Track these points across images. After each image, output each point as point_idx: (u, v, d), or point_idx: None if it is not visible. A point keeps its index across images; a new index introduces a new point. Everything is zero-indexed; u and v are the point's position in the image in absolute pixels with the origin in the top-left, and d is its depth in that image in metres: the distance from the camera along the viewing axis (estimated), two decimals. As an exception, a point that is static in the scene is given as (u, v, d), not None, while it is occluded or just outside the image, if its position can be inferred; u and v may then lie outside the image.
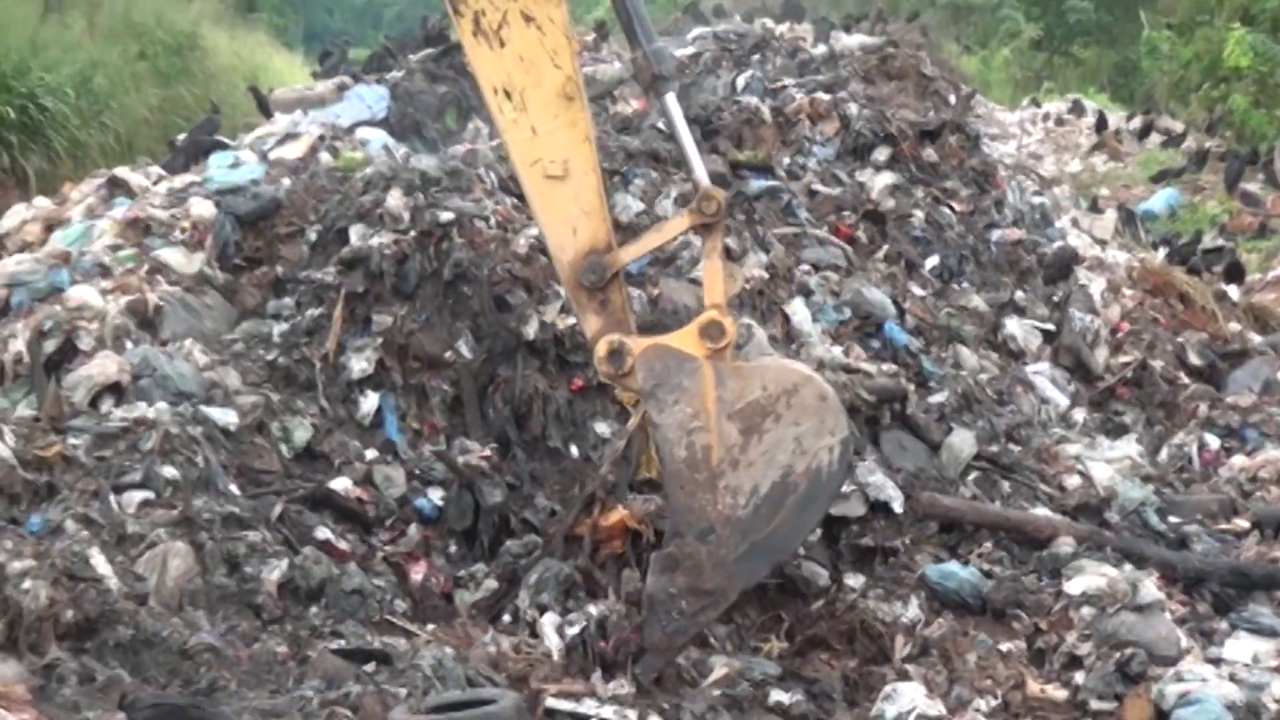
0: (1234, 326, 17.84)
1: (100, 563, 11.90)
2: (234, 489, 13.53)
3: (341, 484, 14.09)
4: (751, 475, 12.40)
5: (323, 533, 13.51)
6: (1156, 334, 17.03)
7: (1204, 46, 37.61)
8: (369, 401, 14.63)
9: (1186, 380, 16.53)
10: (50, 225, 17.63)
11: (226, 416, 13.93)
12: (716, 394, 12.62)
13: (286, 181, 16.71)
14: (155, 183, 18.05)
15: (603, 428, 14.71)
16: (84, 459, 12.82)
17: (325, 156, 17.21)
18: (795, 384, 12.69)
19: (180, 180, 17.69)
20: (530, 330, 14.95)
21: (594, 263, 12.70)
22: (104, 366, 14.01)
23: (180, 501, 12.71)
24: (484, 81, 12.95)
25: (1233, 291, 19.19)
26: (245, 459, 13.97)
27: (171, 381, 14.10)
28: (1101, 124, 37.82)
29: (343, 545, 13.54)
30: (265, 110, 21.57)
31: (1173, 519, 14.32)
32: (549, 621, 13.20)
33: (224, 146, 18.89)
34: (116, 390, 13.92)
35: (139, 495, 12.78)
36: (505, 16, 12.70)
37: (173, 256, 15.92)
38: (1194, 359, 16.85)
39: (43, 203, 18.84)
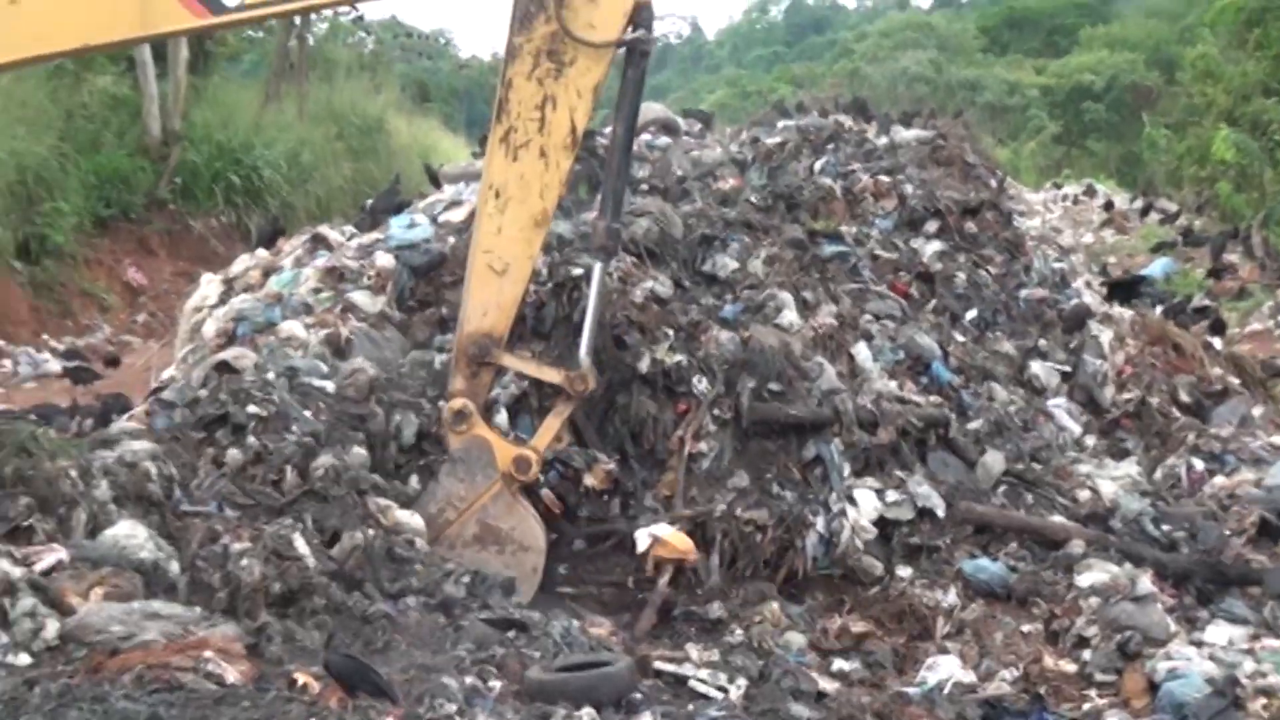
0: (1217, 371, 17.73)
1: (301, 545, 11.94)
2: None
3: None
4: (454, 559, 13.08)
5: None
6: (1154, 376, 16.93)
7: (1195, 143, 37.35)
8: (500, 417, 14.61)
9: (1178, 414, 16.43)
10: (267, 271, 17.84)
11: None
12: (484, 503, 13.34)
13: (451, 240, 16.78)
14: (348, 239, 18.27)
15: (702, 446, 14.67)
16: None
17: (482, 220, 17.27)
18: (531, 546, 13.46)
19: (368, 237, 17.82)
20: (643, 364, 14.95)
21: (484, 345, 13.38)
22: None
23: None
24: (487, 176, 13.39)
25: (1216, 343, 19.05)
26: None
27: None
28: (1109, 204, 37.81)
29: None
30: (435, 182, 21.61)
31: (1165, 527, 14.25)
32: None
33: (403, 210, 18.98)
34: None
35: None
36: (528, 143, 13.03)
37: (361, 298, 16.06)
38: (1184, 397, 16.75)
39: (262, 253, 19.02)
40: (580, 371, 13.55)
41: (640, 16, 13.17)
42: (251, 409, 13.54)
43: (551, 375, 13.82)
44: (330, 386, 14.34)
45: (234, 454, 13.02)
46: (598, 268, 13.76)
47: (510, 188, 13.19)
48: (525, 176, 13.17)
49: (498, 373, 14.07)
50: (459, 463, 13.49)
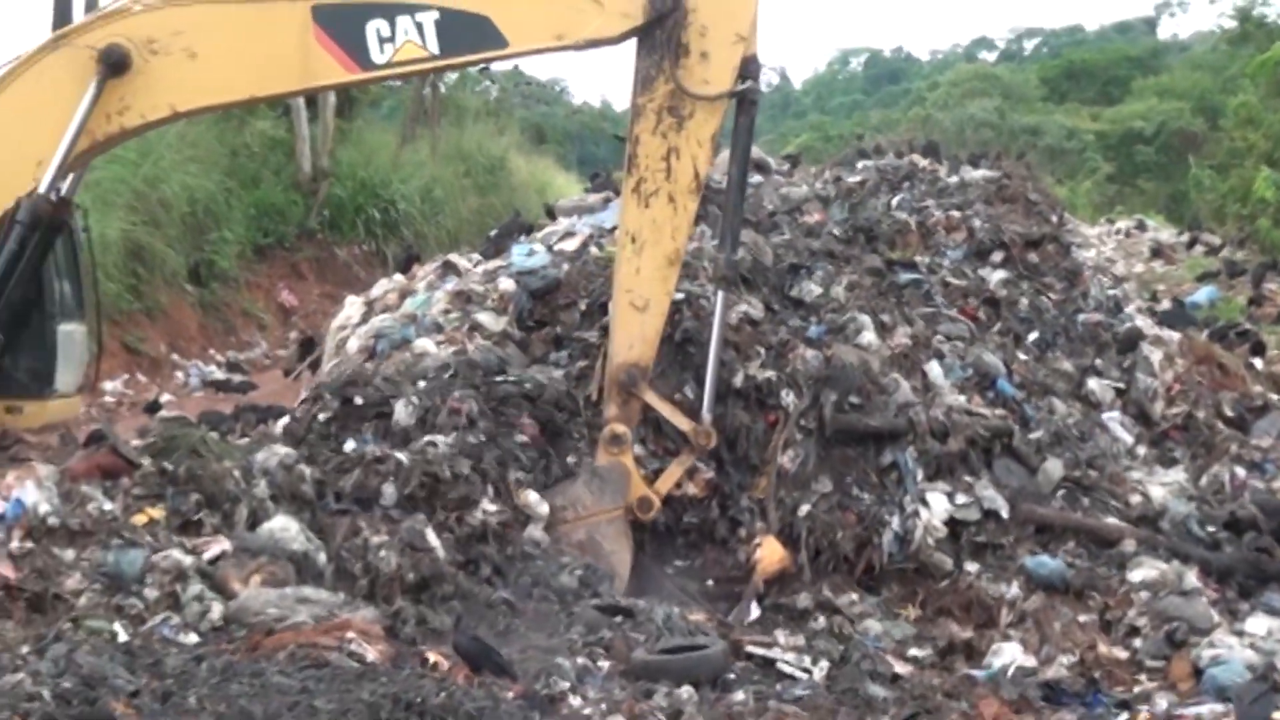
0: (1258, 389, 17.53)
1: (432, 538, 11.99)
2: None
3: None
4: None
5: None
6: (1200, 392, 16.73)
7: (1237, 183, 36.96)
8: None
9: (1222, 427, 16.23)
10: (403, 294, 17.99)
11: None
12: (601, 520, 13.70)
13: (566, 266, 16.78)
14: (475, 265, 18.36)
15: (790, 453, 14.62)
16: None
17: (593, 249, 17.25)
18: (617, 575, 13.43)
19: (492, 264, 17.89)
20: (738, 380, 14.88)
21: (632, 374, 13.80)
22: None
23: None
24: (623, 223, 13.89)
25: (1257, 363, 18.83)
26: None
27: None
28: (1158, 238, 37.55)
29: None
30: (551, 215, 21.69)
31: (1209, 528, 14.09)
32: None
33: (523, 239, 19.02)
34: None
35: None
36: (658, 191, 13.39)
37: (485, 318, 16.09)
38: (1228, 411, 16.55)
39: (398, 278, 19.16)
40: (705, 428, 14.00)
41: (748, 69, 13.55)
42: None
43: (682, 423, 14.12)
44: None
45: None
46: (720, 299, 14.03)
47: (645, 232, 13.62)
48: (657, 221, 13.57)
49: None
50: (598, 478, 13.81)
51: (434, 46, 13.11)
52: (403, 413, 13.70)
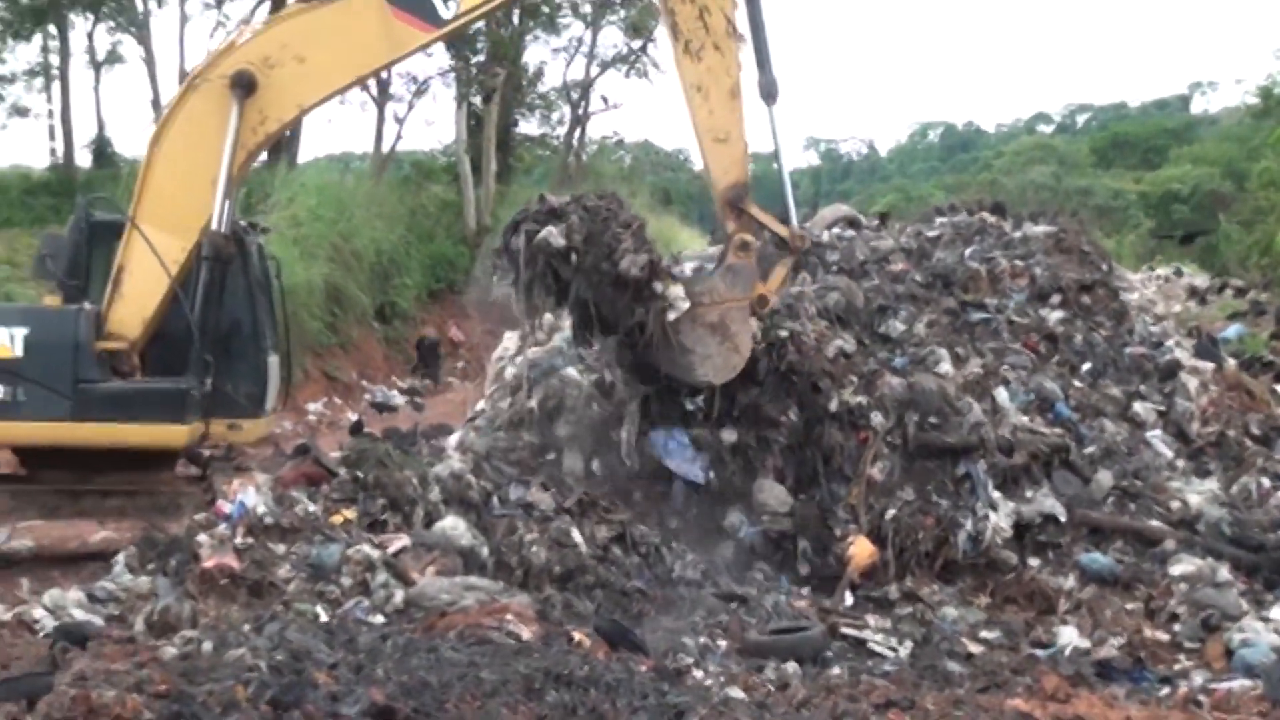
0: (1280, 411, 17.33)
1: (576, 535, 12.04)
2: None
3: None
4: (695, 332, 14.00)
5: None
6: (1230, 414, 16.48)
7: (1261, 236, 36.40)
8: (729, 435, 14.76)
9: (1250, 443, 16.00)
10: (552, 330, 17.85)
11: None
12: (731, 306, 14.16)
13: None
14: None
15: (878, 466, 14.57)
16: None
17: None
18: (739, 351, 14.21)
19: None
20: (833, 405, 14.86)
21: (737, 191, 14.23)
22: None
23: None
24: (685, 81, 14.12)
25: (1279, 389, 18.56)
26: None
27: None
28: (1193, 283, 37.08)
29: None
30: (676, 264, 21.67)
31: (1239, 530, 13.93)
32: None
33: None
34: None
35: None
36: (703, 44, 13.83)
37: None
38: (1255, 430, 16.29)
39: (548, 317, 18.97)
40: (799, 232, 14.65)
41: None
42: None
43: (780, 229, 14.46)
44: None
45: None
46: (772, 114, 14.47)
47: (704, 79, 14.09)
48: (711, 67, 14.04)
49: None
50: (731, 271, 14.28)
51: None
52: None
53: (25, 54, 38.96)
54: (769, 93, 14.36)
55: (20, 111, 39.42)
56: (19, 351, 12.17)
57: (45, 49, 38.60)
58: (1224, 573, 12.97)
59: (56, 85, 38.52)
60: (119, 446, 12.87)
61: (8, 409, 12.09)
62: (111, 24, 38.84)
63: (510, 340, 18.34)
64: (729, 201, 14.21)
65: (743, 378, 14.57)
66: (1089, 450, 15.26)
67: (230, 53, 13.09)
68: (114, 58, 39.73)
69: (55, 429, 12.22)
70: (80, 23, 38.59)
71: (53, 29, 37.80)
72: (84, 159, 38.69)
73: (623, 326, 14.22)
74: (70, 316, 12.61)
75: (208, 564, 10.30)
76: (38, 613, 10.00)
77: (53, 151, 38.53)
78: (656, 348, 14.10)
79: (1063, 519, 14.19)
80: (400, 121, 41.42)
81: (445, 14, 13.50)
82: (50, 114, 38.86)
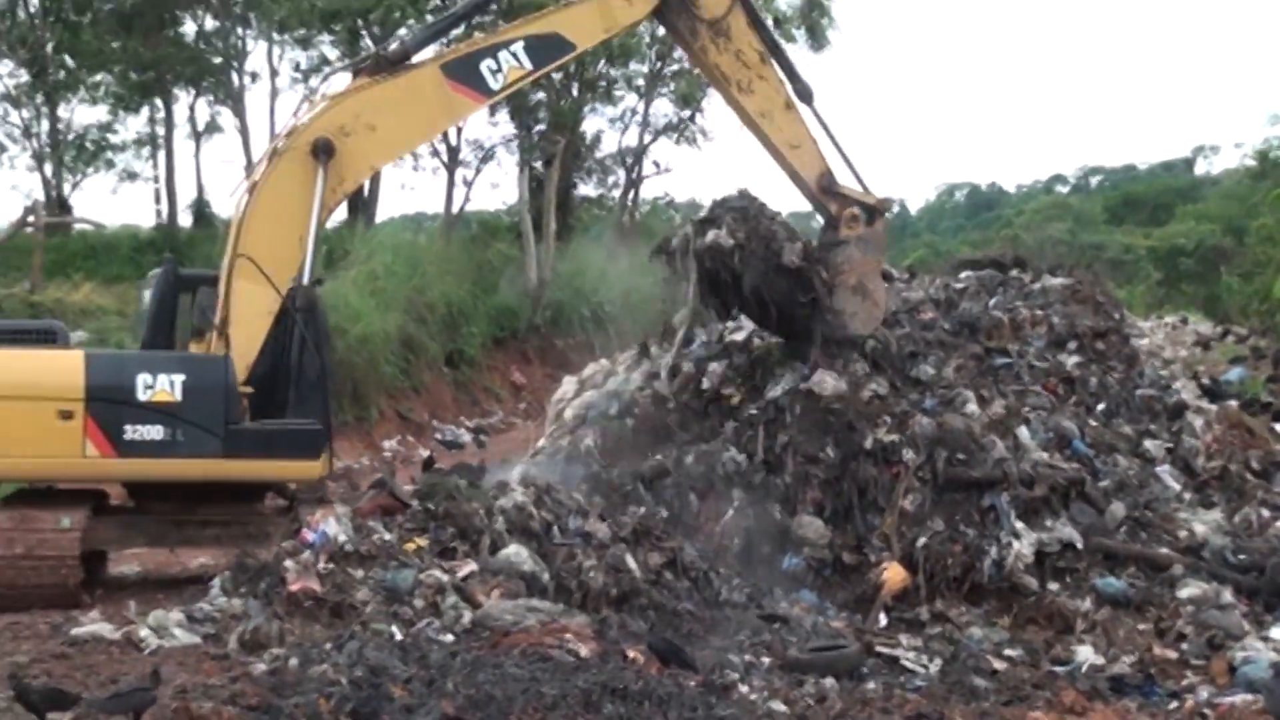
0: (1278, 447, 17.13)
1: (630, 561, 12.03)
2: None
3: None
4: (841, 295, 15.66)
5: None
6: (1233, 450, 16.36)
7: (1260, 287, 36.15)
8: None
9: (1251, 477, 15.88)
10: (607, 375, 17.98)
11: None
12: (870, 270, 15.90)
13: (733, 355, 16.84)
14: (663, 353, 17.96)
15: (910, 499, 14.53)
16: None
17: (756, 340, 17.20)
18: (879, 305, 16.01)
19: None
20: (868, 443, 14.92)
21: (826, 179, 15.69)
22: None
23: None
24: (749, 113, 15.43)
25: (1278, 427, 18.36)
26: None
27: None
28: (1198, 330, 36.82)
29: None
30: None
31: (1241, 556, 13.92)
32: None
33: (700, 332, 18.72)
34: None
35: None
36: (749, 80, 15.33)
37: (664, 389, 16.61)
38: (1255, 465, 16.18)
39: (604, 362, 19.07)
40: (884, 199, 16.12)
41: None
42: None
43: (868, 198, 15.91)
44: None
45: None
46: (814, 108, 15.63)
47: (763, 105, 15.39)
48: (764, 94, 15.37)
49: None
50: (863, 241, 15.76)
51: (529, 64, 14.25)
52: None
53: (134, 124, 39.88)
54: (806, 95, 15.49)
55: (130, 176, 40.10)
56: (179, 396, 12.25)
57: (152, 120, 39.41)
58: (1227, 596, 13.08)
59: (162, 153, 39.18)
60: (263, 481, 13.03)
61: (168, 448, 12.14)
62: (211, 98, 39.60)
63: (569, 384, 18.42)
64: (823, 189, 15.57)
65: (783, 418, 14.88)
66: (1103, 484, 15.20)
67: (310, 124, 13.24)
68: (213, 128, 40.23)
69: (208, 465, 12.25)
70: (183, 96, 39.36)
71: (159, 102, 38.76)
72: (185, 219, 39.24)
73: (791, 304, 15.38)
74: (220, 364, 12.61)
75: (294, 587, 10.36)
76: (143, 632, 10.07)
77: (158, 213, 39.07)
78: (814, 317, 15.56)
79: (1080, 546, 14.15)
80: (468, 185, 41.71)
81: (494, 85, 14.03)
82: (156, 179, 39.46)
